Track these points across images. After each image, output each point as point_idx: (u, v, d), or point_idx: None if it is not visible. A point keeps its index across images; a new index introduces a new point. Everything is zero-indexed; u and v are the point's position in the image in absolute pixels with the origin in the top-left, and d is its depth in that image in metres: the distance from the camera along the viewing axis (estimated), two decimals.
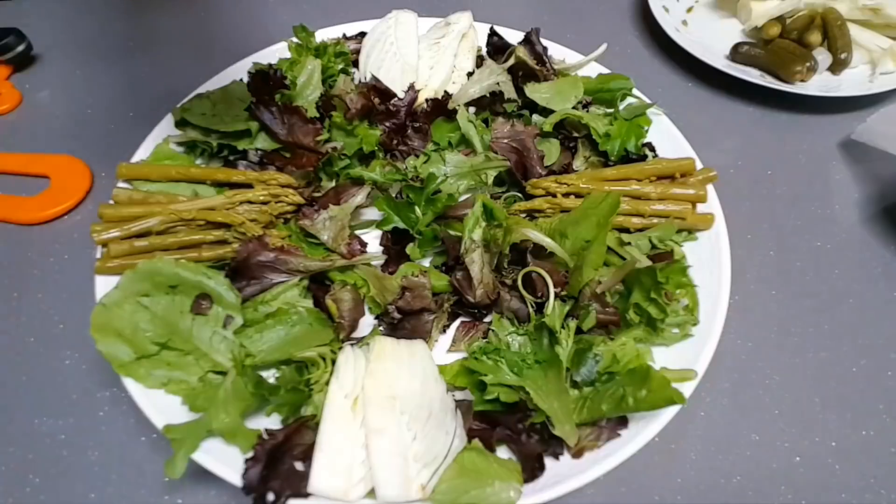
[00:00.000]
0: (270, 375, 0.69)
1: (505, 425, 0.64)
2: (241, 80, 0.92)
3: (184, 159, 0.87)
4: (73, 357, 0.77)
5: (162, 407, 0.64)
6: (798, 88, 1.05)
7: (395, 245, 0.82)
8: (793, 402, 0.76)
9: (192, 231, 0.77)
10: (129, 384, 0.65)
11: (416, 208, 0.81)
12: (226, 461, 0.60)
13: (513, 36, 1.01)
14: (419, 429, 0.61)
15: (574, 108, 0.91)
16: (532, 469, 0.61)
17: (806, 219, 0.94)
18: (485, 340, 0.72)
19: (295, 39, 0.97)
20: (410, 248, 0.80)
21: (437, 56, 0.97)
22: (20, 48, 1.06)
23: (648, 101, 0.94)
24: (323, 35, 1.01)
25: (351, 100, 0.89)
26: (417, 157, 0.88)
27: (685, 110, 0.98)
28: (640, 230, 0.80)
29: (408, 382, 0.63)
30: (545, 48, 0.98)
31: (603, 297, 0.72)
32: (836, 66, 1.10)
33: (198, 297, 0.69)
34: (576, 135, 0.91)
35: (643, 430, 0.63)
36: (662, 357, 0.70)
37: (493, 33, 1.01)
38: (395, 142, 0.89)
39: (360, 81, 0.95)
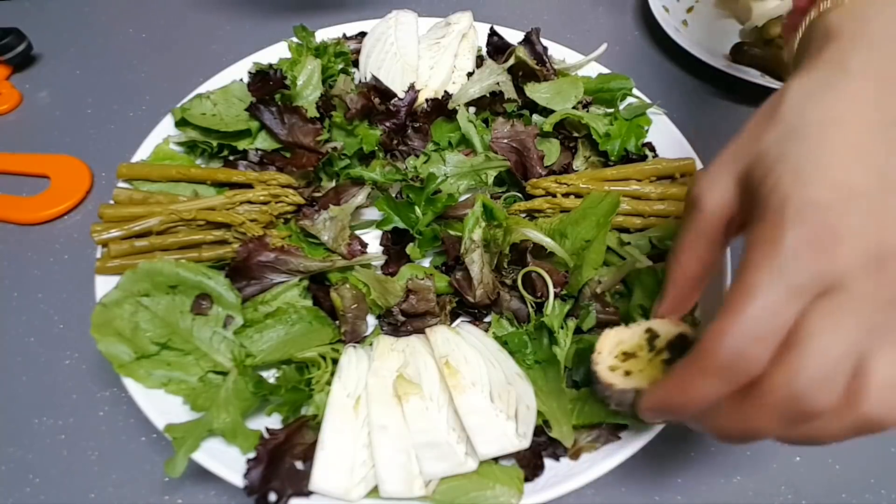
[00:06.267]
0: (271, 375, 0.69)
1: None
2: (241, 80, 0.92)
3: (184, 159, 0.87)
4: (73, 357, 0.77)
5: (162, 407, 0.64)
6: None
7: (395, 245, 0.82)
8: None
9: (192, 231, 0.77)
10: (129, 384, 0.65)
11: (416, 208, 0.81)
12: (226, 461, 0.60)
13: (513, 36, 1.01)
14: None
15: (574, 108, 0.91)
16: (532, 469, 0.61)
17: None
18: None
19: (295, 39, 0.97)
20: (410, 248, 0.80)
21: (437, 56, 0.97)
22: (20, 48, 1.06)
23: (648, 101, 0.93)
24: (323, 35, 1.01)
25: (351, 100, 0.88)
26: (417, 157, 0.87)
27: (685, 110, 0.97)
28: (641, 230, 0.80)
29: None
30: (545, 48, 0.98)
31: (603, 297, 0.72)
32: None
33: (198, 297, 0.69)
34: (576, 135, 0.91)
35: (642, 432, 0.63)
36: None
37: (493, 33, 1.01)
38: (395, 142, 0.89)
39: (360, 81, 0.95)
